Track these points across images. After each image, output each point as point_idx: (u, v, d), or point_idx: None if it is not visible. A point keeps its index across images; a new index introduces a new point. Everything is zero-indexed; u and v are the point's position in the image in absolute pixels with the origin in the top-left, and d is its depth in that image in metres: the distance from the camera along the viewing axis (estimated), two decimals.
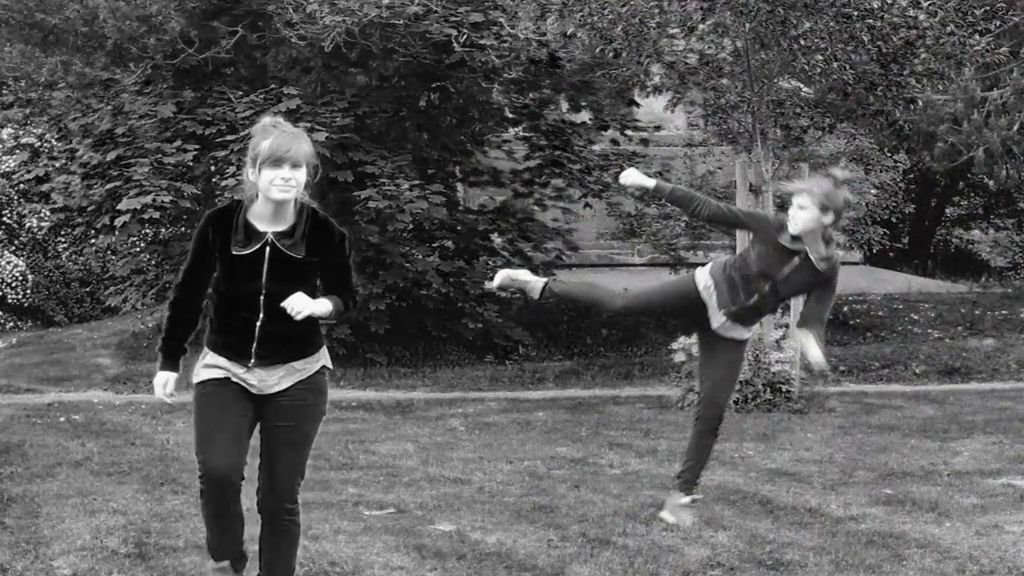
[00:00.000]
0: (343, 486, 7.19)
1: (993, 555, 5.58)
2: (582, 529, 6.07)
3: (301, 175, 4.29)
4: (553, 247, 15.40)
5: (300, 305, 4.24)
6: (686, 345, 10.88)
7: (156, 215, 13.04)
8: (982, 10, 10.81)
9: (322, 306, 4.33)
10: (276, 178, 4.25)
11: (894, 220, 19.78)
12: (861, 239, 17.87)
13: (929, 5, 10.47)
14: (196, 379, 4.44)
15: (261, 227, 4.34)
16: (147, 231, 16.36)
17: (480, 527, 6.13)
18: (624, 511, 6.48)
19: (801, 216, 5.73)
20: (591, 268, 18.41)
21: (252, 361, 4.37)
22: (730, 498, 6.82)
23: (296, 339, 4.39)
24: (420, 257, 14.75)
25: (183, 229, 16.40)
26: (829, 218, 5.72)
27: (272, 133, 4.28)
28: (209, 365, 4.41)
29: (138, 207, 12.64)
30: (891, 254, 22.05)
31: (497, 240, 15.50)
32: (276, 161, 4.23)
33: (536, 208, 15.72)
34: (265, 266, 4.30)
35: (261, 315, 4.33)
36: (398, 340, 14.48)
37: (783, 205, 7.54)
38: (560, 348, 15.11)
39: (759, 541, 5.82)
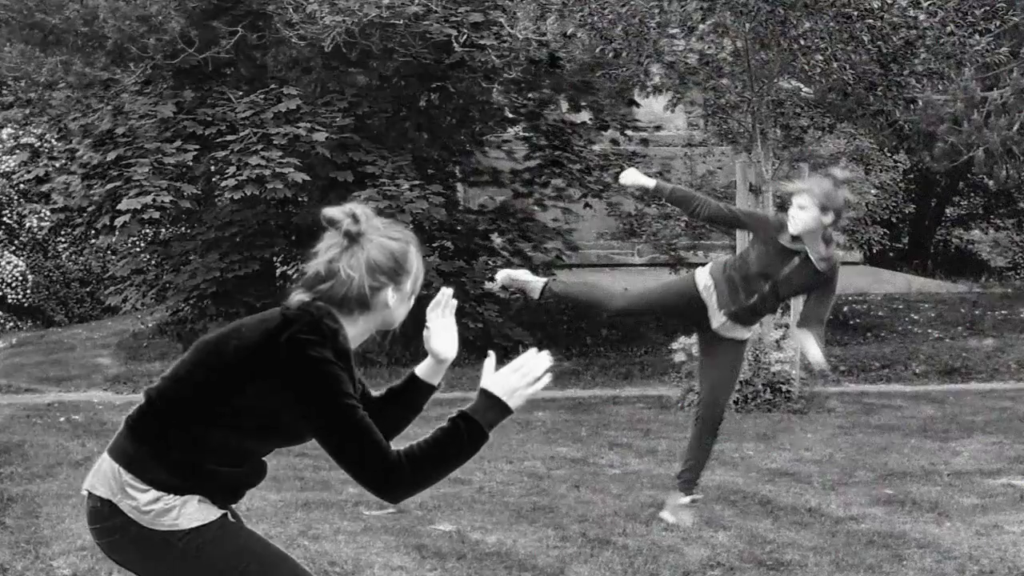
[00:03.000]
0: (343, 486, 7.18)
1: (993, 555, 5.57)
2: (582, 529, 6.07)
3: None
4: (553, 247, 15.40)
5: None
6: (686, 345, 10.88)
7: (156, 215, 13.04)
8: (982, 10, 10.80)
9: None
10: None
11: (894, 220, 19.78)
12: (861, 239, 17.86)
13: (929, 5, 10.47)
14: (204, 519, 2.89)
15: None
16: (147, 231, 16.39)
17: (480, 527, 6.13)
18: (624, 511, 6.48)
19: (801, 216, 5.73)
20: (591, 268, 18.41)
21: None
22: (730, 498, 6.82)
23: None
24: None
25: (183, 229, 16.43)
26: (829, 218, 5.73)
27: (411, 242, 3.07)
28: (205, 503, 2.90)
29: (138, 207, 12.64)
30: (891, 254, 22.06)
31: (497, 240, 15.49)
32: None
33: (536, 208, 15.72)
34: None
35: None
36: (398, 340, 14.46)
37: (783, 205, 7.53)
38: (560, 348, 15.10)
39: (759, 541, 5.82)
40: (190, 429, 2.84)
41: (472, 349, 14.91)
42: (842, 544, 5.77)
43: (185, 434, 2.84)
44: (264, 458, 3.01)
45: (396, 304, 2.99)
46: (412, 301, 3.05)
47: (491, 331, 14.73)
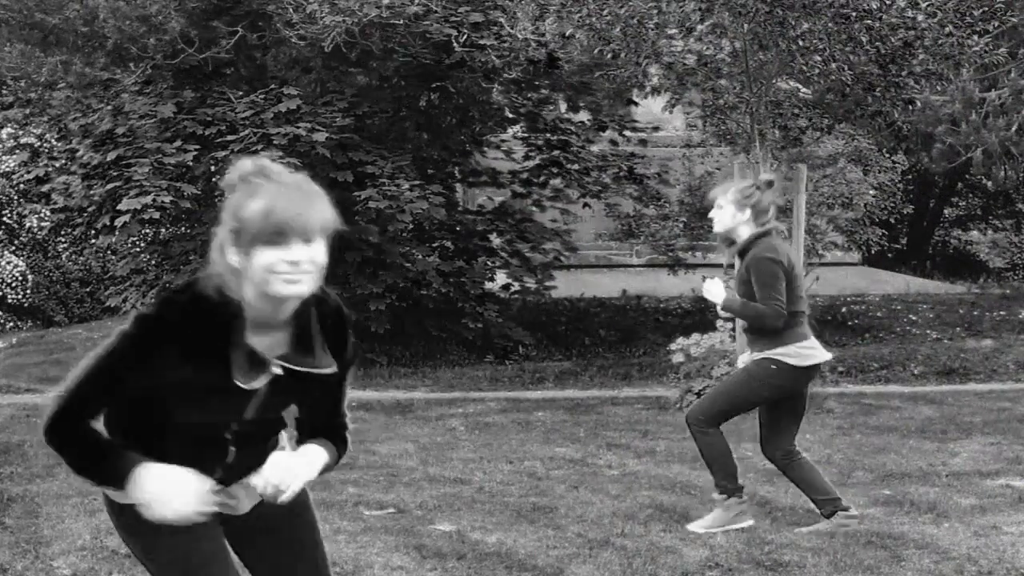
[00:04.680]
0: (343, 486, 7.20)
1: (991, 556, 5.59)
2: (581, 529, 6.09)
3: (320, 253, 2.64)
4: (551, 248, 15.44)
5: (287, 483, 2.75)
6: (684, 346, 10.89)
7: (156, 215, 13.06)
8: (980, 11, 10.81)
9: (315, 466, 2.85)
10: (279, 262, 2.59)
11: (893, 221, 19.82)
12: (859, 240, 17.89)
13: (927, 6, 10.48)
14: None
15: (257, 344, 2.71)
16: (147, 231, 16.39)
17: (480, 527, 6.14)
18: (623, 512, 6.49)
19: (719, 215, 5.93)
20: (589, 268, 18.44)
21: (214, 486, 2.84)
22: None
23: (266, 455, 2.87)
24: (420, 257, 14.78)
25: (183, 229, 16.44)
26: (746, 215, 5.86)
27: (265, 190, 2.63)
28: None
29: (138, 207, 12.65)
30: (890, 255, 22.09)
31: (496, 241, 15.53)
32: (277, 235, 2.58)
33: (534, 209, 15.74)
34: (257, 402, 2.79)
35: (232, 451, 2.89)
36: (398, 340, 14.50)
37: (783, 209, 7.53)
38: (559, 348, 15.12)
39: (757, 542, 5.83)
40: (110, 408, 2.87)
41: (472, 349, 14.98)
42: (840, 545, 5.78)
43: (108, 412, 2.88)
44: (221, 445, 2.87)
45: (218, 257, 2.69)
46: (261, 255, 2.60)
47: (491, 331, 14.75)
